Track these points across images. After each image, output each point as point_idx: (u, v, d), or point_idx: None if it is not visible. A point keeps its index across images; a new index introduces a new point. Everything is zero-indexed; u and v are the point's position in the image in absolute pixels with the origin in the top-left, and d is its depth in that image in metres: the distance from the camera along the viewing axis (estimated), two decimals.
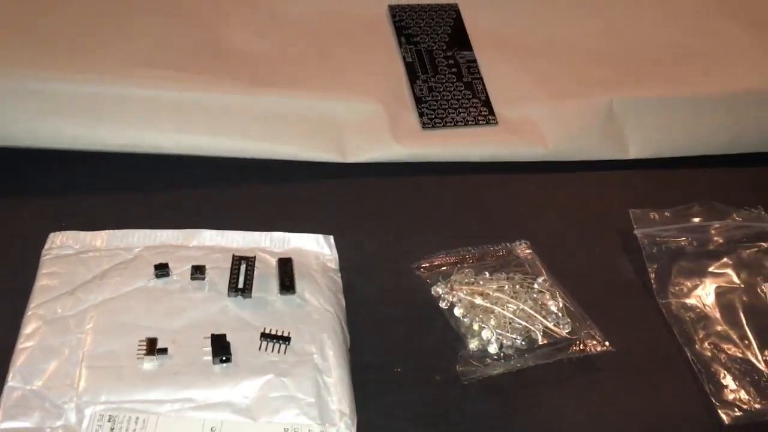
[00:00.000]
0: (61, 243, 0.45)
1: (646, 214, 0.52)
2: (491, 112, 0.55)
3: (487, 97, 0.55)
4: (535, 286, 0.47)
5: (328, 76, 0.54)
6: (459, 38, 0.58)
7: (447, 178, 0.53)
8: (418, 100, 0.54)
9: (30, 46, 0.50)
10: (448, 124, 0.54)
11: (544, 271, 0.48)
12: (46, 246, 0.44)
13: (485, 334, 0.44)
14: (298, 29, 0.56)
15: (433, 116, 0.54)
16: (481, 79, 0.56)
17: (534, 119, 0.55)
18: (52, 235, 0.45)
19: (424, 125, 0.53)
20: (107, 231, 0.45)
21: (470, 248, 0.48)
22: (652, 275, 0.49)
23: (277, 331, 0.41)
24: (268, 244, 0.46)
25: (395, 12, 0.59)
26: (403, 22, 0.59)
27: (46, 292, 0.42)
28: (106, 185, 0.49)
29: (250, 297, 0.43)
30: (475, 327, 0.44)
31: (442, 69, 0.56)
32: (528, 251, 0.49)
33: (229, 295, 0.42)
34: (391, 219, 0.50)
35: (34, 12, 0.52)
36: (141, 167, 0.50)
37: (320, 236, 0.47)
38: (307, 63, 0.54)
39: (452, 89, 0.55)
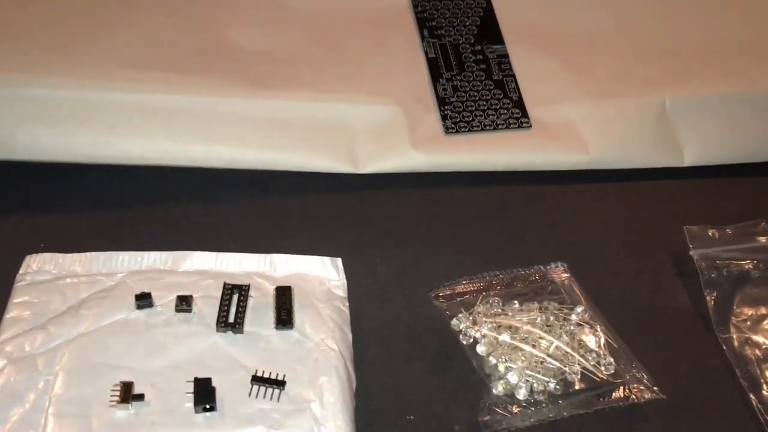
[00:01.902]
0: (38, 267, 0.40)
1: (703, 231, 0.45)
2: (524, 114, 0.48)
3: (520, 96, 0.49)
4: (573, 317, 0.41)
5: (339, 75, 0.48)
6: (489, 30, 0.51)
7: (472, 191, 0.47)
8: (441, 101, 0.48)
9: (4, 48, 0.45)
10: (474, 128, 0.47)
11: (583, 299, 0.42)
12: (21, 270, 0.40)
13: (512, 377, 0.38)
14: (307, 24, 0.51)
15: (458, 119, 0.48)
16: (513, 76, 0.50)
17: (573, 122, 0.48)
18: (28, 257, 0.40)
19: (447, 130, 0.47)
20: (88, 254, 0.41)
21: (497, 272, 0.42)
22: (711, 304, 0.42)
23: (270, 373, 0.36)
24: (268, 267, 0.41)
25: (417, 2, 0.53)
26: (426, 13, 0.52)
27: (16, 325, 0.37)
28: (89, 201, 0.44)
29: (242, 332, 0.37)
30: (501, 368, 0.38)
31: (469, 65, 0.50)
32: (565, 275, 0.43)
33: (218, 330, 0.37)
34: (407, 238, 0.44)
35: (9, 9, 0.47)
36: (128, 180, 0.45)
37: (326, 259, 0.42)
38: (316, 61, 0.49)
39: (480, 88, 0.49)
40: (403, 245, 0.44)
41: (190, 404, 0.35)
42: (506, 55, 0.51)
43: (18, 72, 0.44)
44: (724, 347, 0.41)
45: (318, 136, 0.46)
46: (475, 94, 0.49)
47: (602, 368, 0.39)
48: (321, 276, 0.41)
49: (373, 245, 0.44)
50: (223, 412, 0.34)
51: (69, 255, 0.41)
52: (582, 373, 0.39)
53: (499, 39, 0.51)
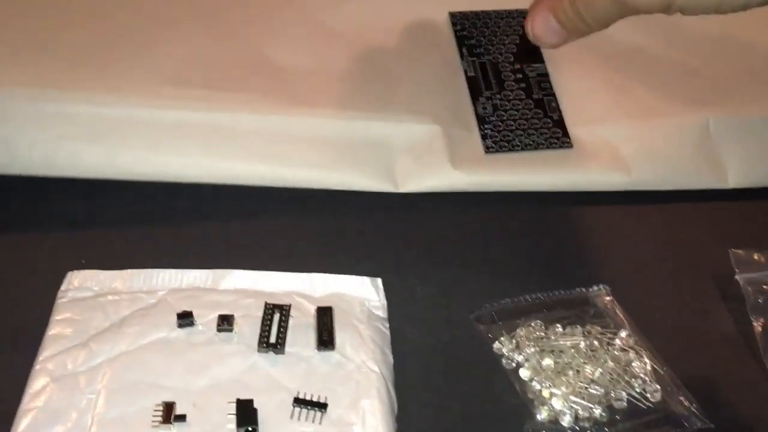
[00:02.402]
0: (79, 284, 0.40)
1: (749, 255, 0.44)
2: (565, 133, 0.48)
3: (560, 116, 0.48)
4: (617, 342, 0.40)
5: (378, 93, 0.48)
6: (529, 49, 0.51)
7: (512, 212, 0.46)
8: (481, 120, 0.48)
9: (48, 65, 0.45)
10: (515, 147, 0.47)
11: (626, 323, 0.41)
12: (63, 287, 0.40)
13: (556, 402, 0.37)
14: (345, 41, 0.50)
15: (498, 138, 0.47)
16: (553, 95, 0.49)
17: (615, 142, 0.48)
18: (70, 274, 0.40)
19: (487, 149, 0.47)
20: (129, 271, 0.40)
21: (539, 295, 0.42)
22: (758, 330, 0.41)
23: (312, 395, 0.36)
24: (307, 287, 0.41)
25: (456, 20, 0.53)
26: (465, 31, 0.52)
27: (58, 342, 0.37)
28: (130, 218, 0.44)
29: (283, 353, 0.37)
30: (545, 394, 0.38)
31: (509, 84, 0.49)
32: (607, 299, 0.42)
33: (259, 351, 0.37)
34: (447, 258, 0.44)
35: (54, 27, 0.48)
36: (169, 198, 0.45)
37: (367, 279, 0.41)
38: (355, 79, 0.48)
39: (520, 107, 0.48)
40: (443, 266, 0.44)
41: (232, 425, 0.34)
42: (546, 74, 0.50)
43: (61, 88, 0.44)
44: None
45: (357, 154, 0.46)
46: (515, 113, 0.48)
47: (648, 395, 0.38)
48: (361, 296, 0.41)
49: (412, 265, 0.43)
50: None
51: (110, 272, 0.40)
52: (628, 400, 0.38)
53: (539, 58, 0.51)
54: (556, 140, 0.48)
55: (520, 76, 0.50)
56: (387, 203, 0.46)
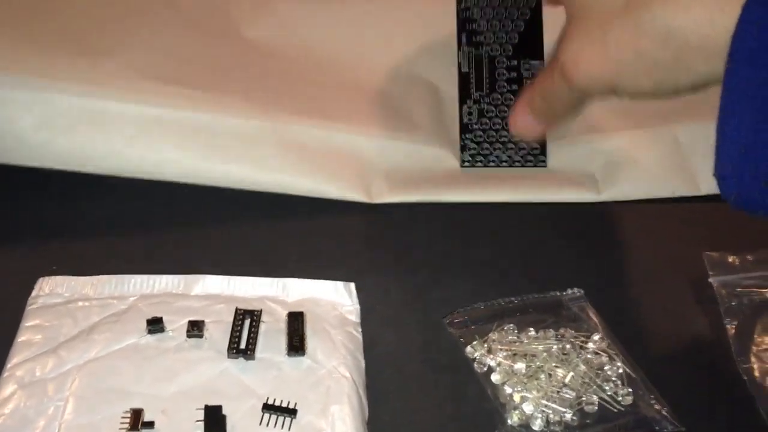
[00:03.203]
0: (50, 290, 0.40)
1: (723, 257, 0.44)
2: (543, 151, 0.47)
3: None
4: (590, 345, 0.40)
5: (360, 103, 0.48)
6: (530, 41, 0.47)
7: (487, 215, 0.46)
8: (464, 129, 0.47)
9: (25, 51, 0.44)
10: (490, 163, 0.47)
11: (599, 326, 0.41)
12: (33, 293, 0.40)
13: (528, 407, 0.37)
14: (333, 46, 0.50)
15: (476, 152, 0.46)
16: None
17: (585, 157, 0.48)
18: (40, 280, 0.40)
19: (462, 163, 0.46)
20: (100, 276, 0.40)
21: (512, 298, 0.42)
22: (731, 333, 0.41)
23: (282, 401, 0.35)
24: (280, 292, 0.41)
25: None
26: (469, 12, 0.47)
27: (27, 349, 0.37)
28: (102, 222, 0.44)
29: (254, 359, 0.37)
30: (516, 398, 0.37)
31: (500, 85, 0.47)
32: (581, 302, 0.42)
33: (229, 357, 0.37)
34: (420, 263, 0.44)
35: (36, 16, 0.47)
36: (141, 201, 0.45)
37: (339, 283, 0.41)
38: (338, 86, 0.48)
39: (506, 114, 0.47)
40: (416, 270, 0.44)
41: None
42: None
43: (39, 75, 0.43)
44: (745, 377, 0.40)
45: (333, 164, 0.46)
46: (499, 122, 0.47)
47: (620, 399, 0.38)
48: (334, 301, 0.41)
49: (385, 269, 0.43)
50: None
51: (81, 278, 0.40)
52: (599, 403, 0.38)
53: (539, 53, 0.47)
54: (532, 158, 0.47)
55: (514, 74, 0.47)
56: (361, 208, 0.46)
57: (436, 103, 0.49)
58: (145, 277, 0.41)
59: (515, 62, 0.47)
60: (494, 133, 0.47)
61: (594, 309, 0.42)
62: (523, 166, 0.47)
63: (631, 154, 0.48)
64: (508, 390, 0.38)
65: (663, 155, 0.48)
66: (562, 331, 0.40)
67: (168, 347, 0.37)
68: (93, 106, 0.44)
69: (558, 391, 0.38)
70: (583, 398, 0.38)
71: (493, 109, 0.48)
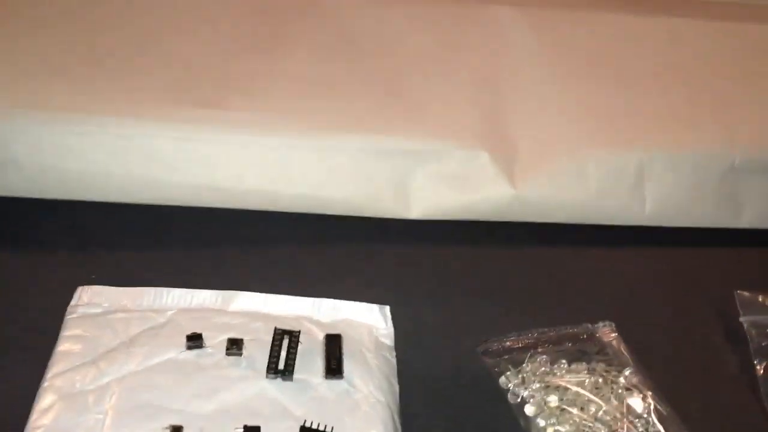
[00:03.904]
0: (89, 299, 0.40)
1: (755, 297, 0.44)
2: None
3: None
4: (621, 380, 0.40)
5: (401, 108, 0.46)
6: None
7: (524, 246, 0.47)
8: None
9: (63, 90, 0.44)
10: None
11: (631, 361, 0.41)
12: (73, 302, 0.40)
13: None
14: (367, 49, 0.49)
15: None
16: None
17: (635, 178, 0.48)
18: (80, 289, 0.40)
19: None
20: (139, 288, 0.41)
21: (546, 330, 0.42)
22: (761, 373, 0.42)
23: (319, 424, 0.36)
24: (315, 312, 0.41)
25: None
26: None
27: (67, 359, 0.37)
28: (141, 236, 0.45)
29: (291, 380, 0.37)
30: (550, 431, 0.38)
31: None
32: (613, 335, 0.42)
33: (267, 376, 0.37)
34: (455, 289, 0.44)
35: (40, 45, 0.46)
36: (181, 217, 0.45)
37: (375, 306, 0.42)
38: (374, 91, 0.47)
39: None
40: (451, 296, 0.44)
41: None
42: None
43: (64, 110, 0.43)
44: None
45: (368, 177, 0.45)
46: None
47: None
48: (369, 324, 0.41)
49: (420, 294, 0.44)
50: None
51: (120, 288, 0.41)
52: None
53: None
54: None
55: None
56: (397, 230, 0.46)
57: (495, 107, 0.47)
58: (183, 291, 0.41)
59: None
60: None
61: (625, 343, 0.42)
62: None
63: (682, 177, 0.47)
64: (541, 423, 0.38)
65: (715, 181, 0.47)
66: (594, 364, 0.41)
67: (207, 364, 0.38)
68: (124, 136, 0.43)
69: (590, 426, 0.38)
70: None
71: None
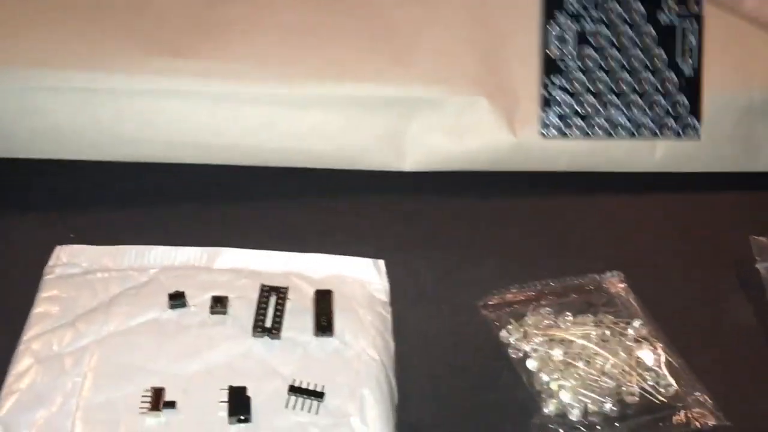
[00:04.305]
0: (68, 259, 0.38)
1: None
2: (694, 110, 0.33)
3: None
4: (629, 332, 0.38)
5: (393, 52, 0.43)
6: None
7: (525, 195, 0.44)
8: (551, 66, 0.32)
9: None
10: (596, 131, 0.33)
11: (640, 312, 0.39)
12: (51, 262, 0.38)
13: (565, 395, 0.35)
14: None
15: (570, 110, 0.31)
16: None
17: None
18: (58, 248, 0.39)
19: (546, 129, 0.36)
20: (120, 246, 0.39)
21: (549, 281, 0.40)
22: None
23: (308, 383, 0.34)
24: (306, 268, 0.39)
25: None
26: None
27: (44, 321, 0.36)
28: (121, 192, 0.43)
29: (279, 338, 0.35)
30: (554, 386, 0.36)
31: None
32: (621, 285, 0.40)
33: (254, 335, 0.35)
34: (453, 242, 0.42)
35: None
36: (163, 172, 0.43)
37: (368, 260, 0.39)
38: (365, 36, 0.44)
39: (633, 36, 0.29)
40: (449, 249, 0.42)
41: (224, 414, 0.33)
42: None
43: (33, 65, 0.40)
44: None
45: (360, 126, 0.43)
46: (617, 54, 0.29)
47: (661, 389, 0.36)
48: (362, 279, 0.39)
49: (417, 248, 0.42)
50: (258, 424, 0.32)
51: (100, 247, 0.39)
52: (640, 393, 0.36)
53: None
54: (680, 123, 0.30)
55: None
56: (391, 183, 0.44)
57: (491, 49, 0.43)
58: (166, 248, 0.39)
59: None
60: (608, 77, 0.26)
61: (635, 293, 0.40)
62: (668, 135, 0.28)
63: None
64: (544, 378, 0.36)
65: (730, 124, 0.43)
66: (600, 316, 0.39)
67: (190, 323, 0.36)
68: (95, 89, 0.41)
69: (597, 380, 0.36)
70: (623, 388, 0.36)
71: (608, 30, 0.25)
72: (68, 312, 0.36)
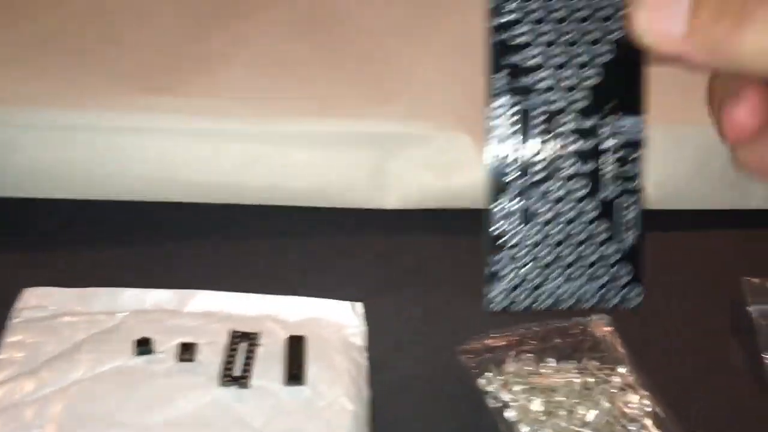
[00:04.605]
0: (36, 302, 0.37)
1: (764, 285, 0.40)
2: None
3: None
4: (615, 379, 0.37)
5: (376, 90, 0.43)
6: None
7: None
8: (494, 243, 0.27)
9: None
10: (544, 301, 0.26)
11: (626, 357, 0.38)
12: (18, 305, 0.37)
13: None
14: (338, 25, 0.45)
15: (517, 284, 0.27)
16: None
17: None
18: (26, 291, 0.38)
19: (490, 305, 0.27)
20: (89, 289, 0.38)
21: (532, 325, 0.39)
22: None
23: None
24: (281, 311, 0.38)
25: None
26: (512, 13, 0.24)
27: (8, 368, 0.34)
28: (95, 233, 0.42)
29: (248, 387, 0.34)
30: None
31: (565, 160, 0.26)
32: (607, 329, 0.39)
33: (221, 384, 0.34)
34: (436, 284, 0.41)
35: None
36: (136, 212, 0.42)
37: (346, 303, 0.38)
38: (347, 72, 0.43)
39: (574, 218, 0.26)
40: (430, 291, 0.41)
41: None
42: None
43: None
44: None
45: (338, 164, 0.42)
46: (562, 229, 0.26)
47: None
48: (338, 322, 0.38)
49: (397, 290, 0.40)
50: None
51: (69, 290, 0.38)
52: None
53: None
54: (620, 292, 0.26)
55: (591, 142, 0.24)
56: (372, 222, 0.43)
57: (477, 85, 0.44)
58: (137, 291, 0.38)
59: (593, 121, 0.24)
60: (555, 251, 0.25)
61: (621, 338, 0.39)
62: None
63: (684, 155, 0.43)
64: (524, 429, 0.35)
65: (721, 159, 0.43)
66: (585, 362, 0.37)
67: (157, 371, 0.35)
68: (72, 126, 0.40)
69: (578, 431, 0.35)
70: None
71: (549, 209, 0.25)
72: (32, 358, 0.35)
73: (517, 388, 0.36)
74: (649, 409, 0.36)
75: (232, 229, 0.42)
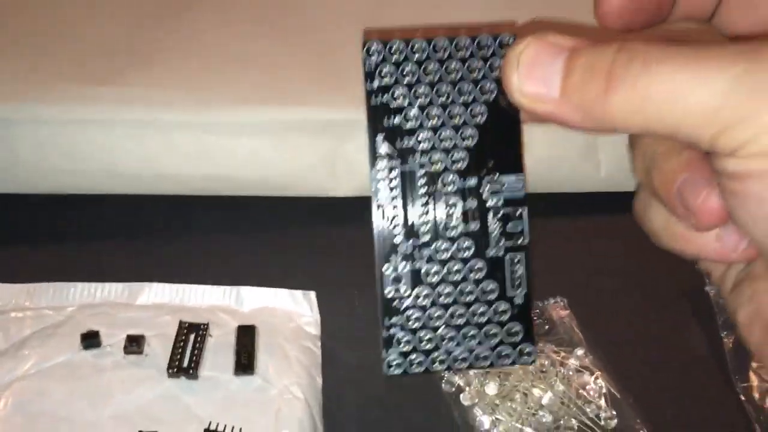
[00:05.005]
0: None
1: None
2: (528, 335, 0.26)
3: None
4: (571, 361, 0.36)
5: (325, 77, 0.42)
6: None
7: None
8: (389, 309, 0.27)
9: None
10: (436, 364, 0.27)
11: (583, 340, 0.37)
12: None
13: None
14: (277, 20, 0.44)
15: (412, 347, 0.27)
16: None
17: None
18: None
19: (389, 368, 0.27)
20: (39, 284, 0.37)
21: None
22: (729, 348, 0.38)
23: (226, 426, 0.32)
24: (233, 302, 0.37)
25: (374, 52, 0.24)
26: (384, 78, 0.24)
27: None
28: (43, 226, 0.41)
29: (197, 378, 0.34)
30: (486, 422, 0.34)
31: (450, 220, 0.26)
32: (564, 312, 0.39)
33: (169, 376, 0.34)
34: None
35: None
36: (85, 205, 0.42)
37: (298, 292, 0.38)
38: (298, 64, 0.43)
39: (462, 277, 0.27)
40: None
41: None
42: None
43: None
44: (743, 398, 0.36)
45: (292, 150, 0.41)
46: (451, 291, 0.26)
47: (603, 423, 0.34)
48: (291, 311, 0.37)
49: (351, 278, 0.40)
50: None
51: (16, 285, 0.37)
52: (579, 427, 0.34)
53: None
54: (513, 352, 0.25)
55: (473, 203, 0.24)
56: (324, 210, 0.42)
57: None
58: (86, 284, 0.37)
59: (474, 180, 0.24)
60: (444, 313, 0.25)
61: (578, 320, 0.38)
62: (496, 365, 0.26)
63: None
64: (477, 413, 0.34)
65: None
66: (541, 345, 0.37)
67: (104, 365, 0.34)
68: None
69: (534, 414, 0.34)
70: (562, 422, 0.34)
71: (438, 271, 0.25)
72: None
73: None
74: (605, 391, 0.35)
75: (183, 221, 0.42)
